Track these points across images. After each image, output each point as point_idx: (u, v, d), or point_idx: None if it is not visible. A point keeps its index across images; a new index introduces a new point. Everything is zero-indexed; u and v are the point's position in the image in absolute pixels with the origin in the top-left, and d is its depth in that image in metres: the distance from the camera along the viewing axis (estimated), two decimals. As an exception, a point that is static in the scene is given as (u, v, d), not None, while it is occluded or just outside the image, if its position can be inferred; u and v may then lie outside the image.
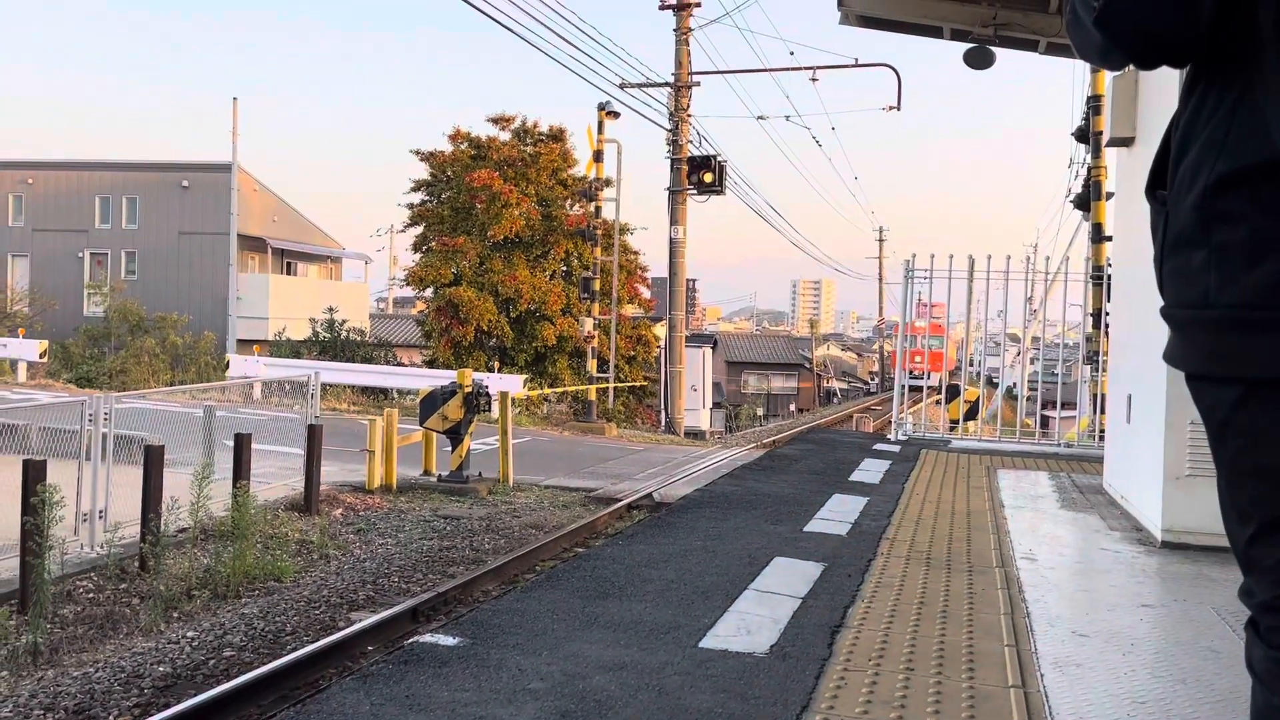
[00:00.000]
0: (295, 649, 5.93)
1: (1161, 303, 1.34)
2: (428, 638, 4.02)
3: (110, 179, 35.52)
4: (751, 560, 5.52)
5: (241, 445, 8.90)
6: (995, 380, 25.55)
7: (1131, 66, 1.37)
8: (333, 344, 27.88)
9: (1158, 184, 1.36)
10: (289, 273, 38.60)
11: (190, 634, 6.32)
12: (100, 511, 8.15)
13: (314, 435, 10.37)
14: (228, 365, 24.91)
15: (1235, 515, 1.27)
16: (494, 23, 15.91)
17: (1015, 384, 17.99)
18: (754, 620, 4.38)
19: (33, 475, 6.66)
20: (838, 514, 7.07)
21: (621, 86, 22.66)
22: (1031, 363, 17.97)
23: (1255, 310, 1.16)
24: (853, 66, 23.77)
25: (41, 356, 25.24)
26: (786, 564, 5.48)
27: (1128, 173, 8.20)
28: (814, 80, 24.48)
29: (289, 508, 10.04)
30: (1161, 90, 6.53)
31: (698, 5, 24.41)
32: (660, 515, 7.49)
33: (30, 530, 6.51)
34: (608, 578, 5.07)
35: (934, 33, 11.09)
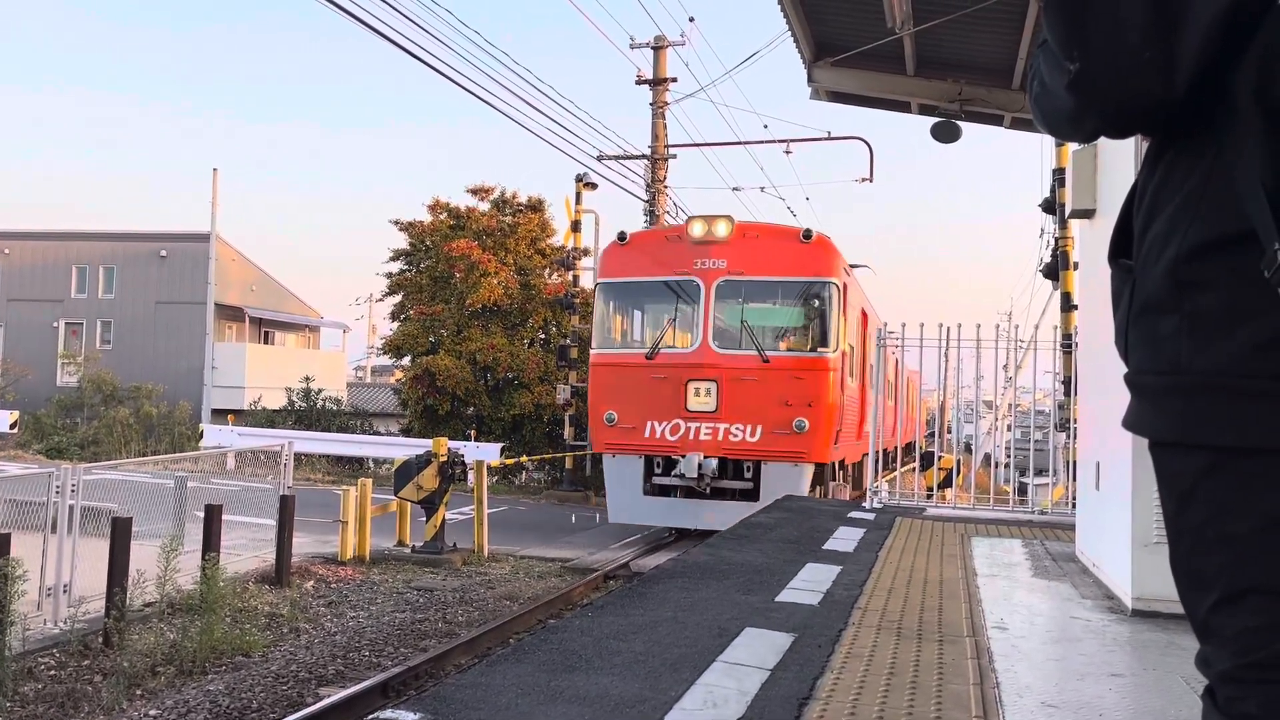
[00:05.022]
0: (259, 726, 5.83)
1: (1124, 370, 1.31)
2: (388, 713, 3.97)
3: (87, 249, 35.47)
4: (721, 631, 5.49)
5: (212, 516, 8.83)
6: (971, 446, 25.62)
7: (1097, 138, 1.36)
8: (309, 413, 27.73)
9: (1121, 252, 1.34)
10: (267, 341, 38.49)
11: (153, 712, 6.20)
12: (65, 586, 8.03)
13: (286, 506, 10.29)
14: (202, 435, 24.72)
15: (1195, 583, 1.25)
16: (477, 99, 16.17)
17: (991, 450, 18.08)
18: (721, 693, 4.34)
19: (-4, 549, 6.58)
20: (810, 583, 7.05)
21: (599, 158, 22.98)
22: (1007, 430, 18.11)
23: (1230, 378, 1.15)
24: (825, 140, 24.21)
25: (12, 427, 25.01)
26: (757, 634, 5.44)
27: (1089, 244, 8.36)
28: (788, 153, 24.92)
29: (259, 579, 9.92)
30: (1119, 163, 6.69)
31: (673, 80, 24.89)
32: (632, 585, 7.44)
33: (-9, 606, 6.41)
34: (575, 650, 5.02)
35: (902, 108, 11.38)
